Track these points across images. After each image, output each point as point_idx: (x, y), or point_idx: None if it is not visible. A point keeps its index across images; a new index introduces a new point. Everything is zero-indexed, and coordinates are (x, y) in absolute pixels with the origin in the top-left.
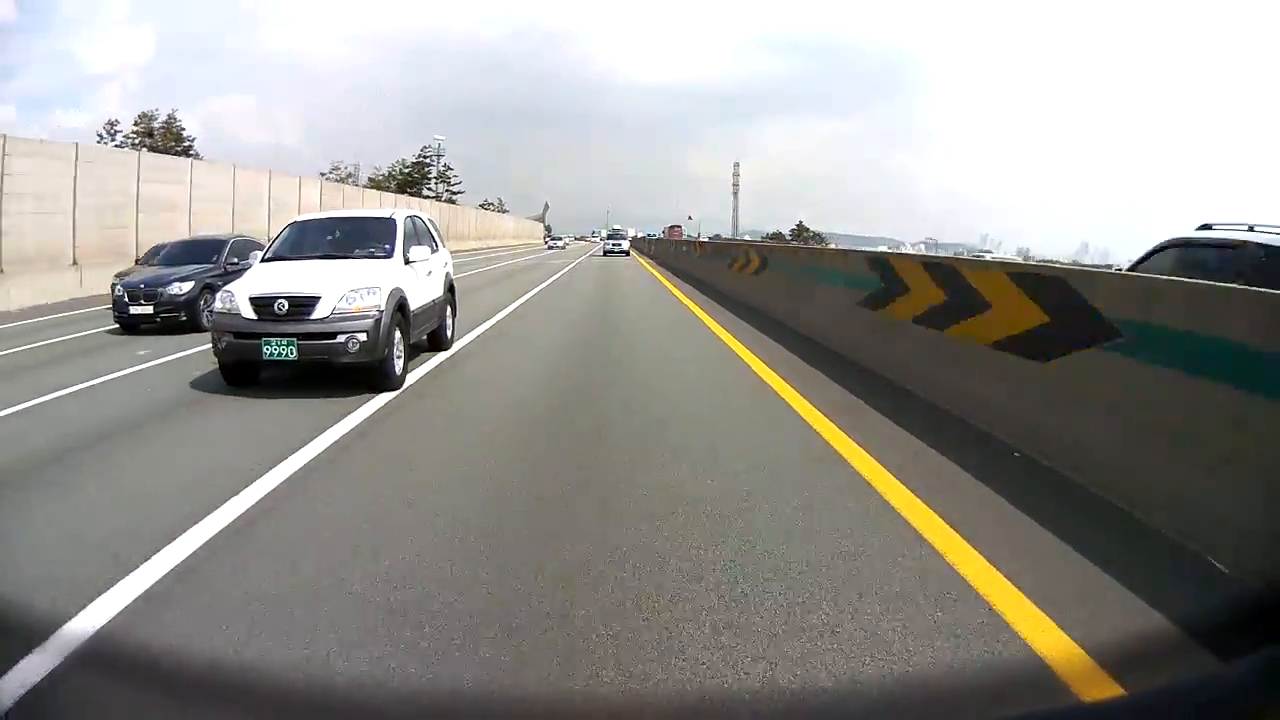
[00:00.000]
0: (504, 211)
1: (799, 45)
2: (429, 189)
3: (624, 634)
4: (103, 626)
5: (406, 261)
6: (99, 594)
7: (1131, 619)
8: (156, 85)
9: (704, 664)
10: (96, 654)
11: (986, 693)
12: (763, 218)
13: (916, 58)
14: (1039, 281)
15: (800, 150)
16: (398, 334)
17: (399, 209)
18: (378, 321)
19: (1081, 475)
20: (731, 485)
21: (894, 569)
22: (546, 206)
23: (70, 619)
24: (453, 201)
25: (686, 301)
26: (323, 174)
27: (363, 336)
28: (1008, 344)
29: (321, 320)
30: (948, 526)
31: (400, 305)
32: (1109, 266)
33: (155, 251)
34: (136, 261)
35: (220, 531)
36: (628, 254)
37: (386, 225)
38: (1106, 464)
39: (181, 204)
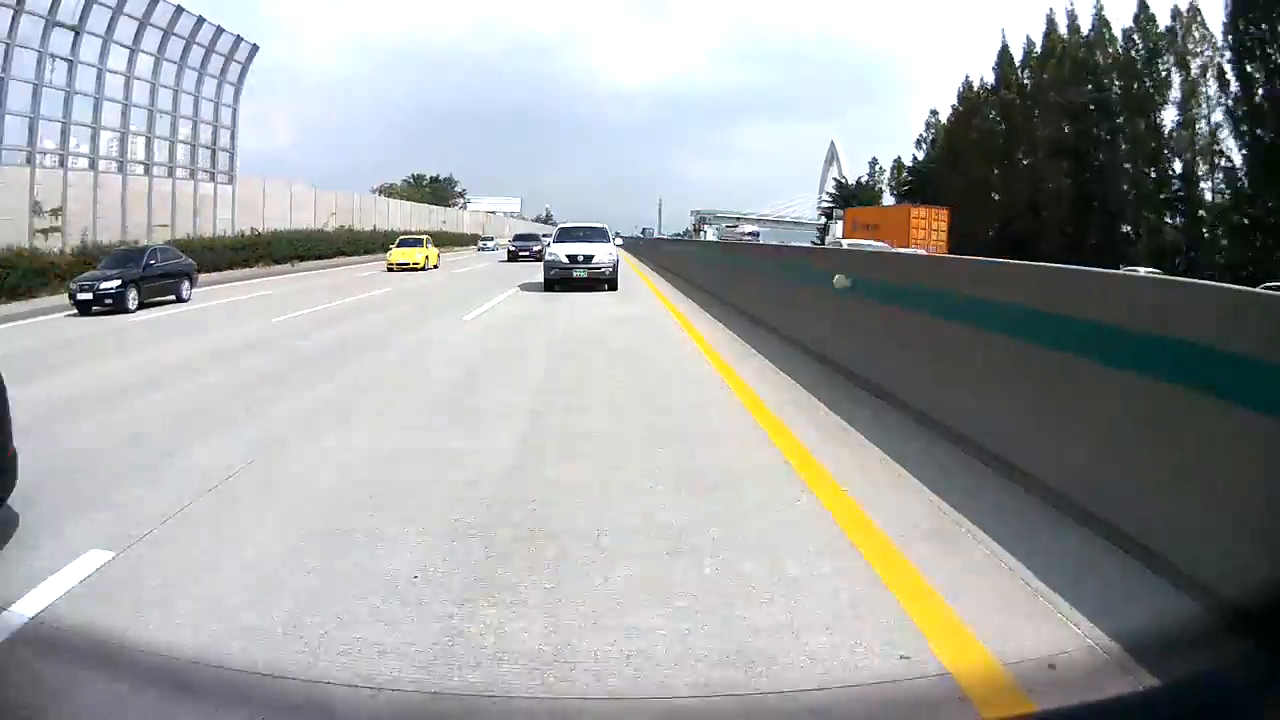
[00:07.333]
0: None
1: (774, 55)
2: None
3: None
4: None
5: (615, 244)
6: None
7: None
8: None
9: None
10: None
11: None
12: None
13: (891, 63)
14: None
15: (775, 151)
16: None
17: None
18: (614, 265)
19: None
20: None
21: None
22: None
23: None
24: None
25: None
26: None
27: (611, 269)
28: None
29: (595, 263)
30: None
31: (616, 260)
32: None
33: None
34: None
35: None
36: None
37: (604, 230)
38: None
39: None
